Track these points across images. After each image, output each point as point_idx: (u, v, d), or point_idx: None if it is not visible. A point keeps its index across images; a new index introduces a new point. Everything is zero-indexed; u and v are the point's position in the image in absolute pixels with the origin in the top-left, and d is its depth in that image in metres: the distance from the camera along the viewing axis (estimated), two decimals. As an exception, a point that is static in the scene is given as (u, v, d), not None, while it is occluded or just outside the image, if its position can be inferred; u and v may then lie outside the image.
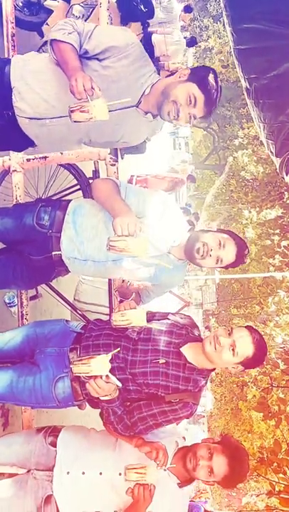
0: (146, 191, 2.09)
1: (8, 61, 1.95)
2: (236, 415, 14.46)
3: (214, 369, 1.90)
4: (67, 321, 2.10)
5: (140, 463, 1.78)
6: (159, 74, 2.00)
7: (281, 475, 4.51)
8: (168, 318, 1.98)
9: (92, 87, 1.63)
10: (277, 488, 4.51)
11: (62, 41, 1.77)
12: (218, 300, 19.35)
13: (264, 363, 5.24)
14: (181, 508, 1.92)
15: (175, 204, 2.12)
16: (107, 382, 1.67)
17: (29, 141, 2.04)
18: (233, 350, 1.76)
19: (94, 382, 1.67)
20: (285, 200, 9.93)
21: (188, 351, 1.86)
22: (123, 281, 2.52)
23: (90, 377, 1.67)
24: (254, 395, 11.60)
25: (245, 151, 16.34)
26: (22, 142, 2.06)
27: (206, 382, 1.90)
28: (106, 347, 1.87)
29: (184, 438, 2.05)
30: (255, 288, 14.95)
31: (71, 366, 1.69)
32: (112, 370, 1.75)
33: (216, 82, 1.89)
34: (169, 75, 1.96)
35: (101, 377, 1.66)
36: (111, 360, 1.68)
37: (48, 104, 1.89)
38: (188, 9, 7.38)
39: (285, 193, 9.86)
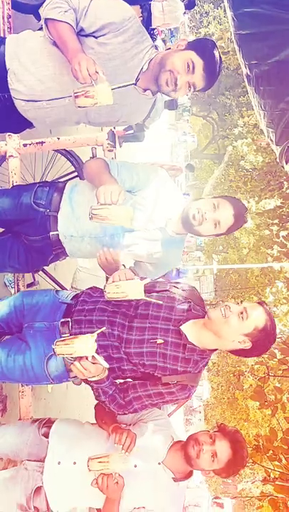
0: (141, 166, 2.05)
1: (2, 40, 1.87)
2: (233, 404, 14.60)
3: (216, 349, 1.77)
4: (56, 291, 1.99)
5: (104, 453, 1.72)
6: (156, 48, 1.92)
7: (276, 462, 4.56)
8: (169, 291, 1.84)
9: (96, 71, 1.57)
10: (272, 475, 4.56)
11: (59, 20, 1.69)
12: (216, 290, 19.39)
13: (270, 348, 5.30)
14: (176, 502, 1.89)
15: (170, 178, 2.07)
16: (93, 363, 1.56)
17: (27, 123, 1.99)
18: (242, 316, 1.62)
19: (79, 363, 1.55)
20: (284, 189, 9.89)
21: (190, 329, 1.73)
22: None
23: (76, 358, 1.56)
24: (251, 385, 11.69)
25: (244, 140, 16.25)
26: (19, 124, 2.01)
27: (206, 363, 1.80)
28: (100, 324, 1.75)
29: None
30: (253, 278, 14.99)
31: (53, 347, 1.54)
32: (106, 348, 1.68)
33: (215, 50, 1.81)
34: (167, 49, 1.88)
35: (86, 358, 1.55)
36: (105, 338, 1.58)
37: (44, 85, 1.83)
38: (190, 5, 7.17)
39: (285, 182, 9.81)
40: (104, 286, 1.70)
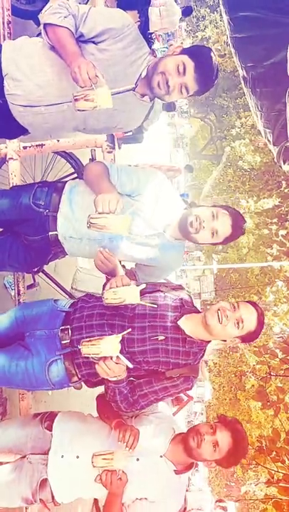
0: (141, 171, 2.07)
1: None
2: (235, 405, 14.57)
3: (210, 341, 1.86)
4: (55, 300, 2.02)
5: (108, 449, 1.76)
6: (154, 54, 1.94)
7: (280, 464, 4.52)
8: (160, 291, 1.91)
9: (96, 75, 1.57)
10: (275, 477, 4.53)
11: (58, 25, 1.70)
12: (216, 290, 19.40)
13: (261, 351, 5.30)
14: (177, 494, 1.91)
15: (170, 183, 2.08)
16: (117, 363, 1.62)
17: (21, 129, 1.99)
18: (238, 325, 1.72)
19: (104, 363, 1.61)
20: (282, 189, 9.93)
21: (186, 324, 1.80)
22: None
23: (100, 358, 1.62)
24: (252, 385, 11.69)
25: (242, 141, 16.30)
26: (14, 130, 2.00)
27: (203, 354, 1.87)
28: (100, 328, 1.80)
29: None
30: (253, 278, 15.01)
31: (80, 347, 1.62)
32: None
33: (211, 55, 1.82)
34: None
35: (111, 358, 1.61)
36: None
37: (43, 91, 1.82)
38: (187, 11, 7.21)
39: (283, 182, 9.85)
40: (102, 292, 1.76)
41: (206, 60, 1.80)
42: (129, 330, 1.72)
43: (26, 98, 1.83)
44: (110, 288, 1.70)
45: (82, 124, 1.97)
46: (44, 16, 1.74)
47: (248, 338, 1.80)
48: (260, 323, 1.78)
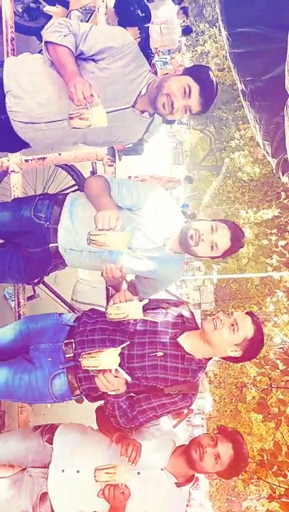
0: (141, 185, 2.09)
1: (1, 63, 1.91)
2: (235, 417, 14.42)
3: (211, 358, 1.88)
4: (60, 314, 2.06)
5: (110, 463, 1.75)
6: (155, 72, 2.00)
7: (282, 478, 4.44)
8: (162, 307, 1.94)
9: (91, 94, 1.62)
10: (277, 492, 4.45)
11: (59, 44, 1.74)
12: (216, 300, 19.36)
13: (262, 362, 5.27)
14: (178, 507, 1.90)
15: (170, 197, 2.12)
16: (116, 377, 1.64)
17: (23, 143, 2.03)
18: (233, 328, 1.74)
19: (103, 376, 1.64)
20: (281, 200, 9.97)
21: (186, 341, 1.83)
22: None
23: (99, 371, 1.64)
24: (253, 397, 11.58)
25: (241, 152, 16.42)
26: (16, 144, 2.05)
27: (203, 372, 1.88)
28: (101, 342, 1.83)
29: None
30: (253, 288, 14.99)
31: (80, 360, 1.65)
32: None
33: (211, 76, 1.87)
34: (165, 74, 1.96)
35: (110, 371, 1.63)
36: None
37: (43, 108, 1.87)
38: (187, 30, 7.34)
39: (282, 193, 9.90)
40: (106, 308, 1.80)
41: (210, 83, 1.86)
42: (128, 343, 1.75)
43: (27, 115, 1.87)
44: (114, 303, 1.74)
45: (82, 138, 2.03)
46: (45, 34, 1.78)
47: (248, 348, 1.78)
48: (259, 331, 1.78)
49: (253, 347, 1.79)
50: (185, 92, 1.80)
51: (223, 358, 1.87)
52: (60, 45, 1.74)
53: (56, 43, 1.75)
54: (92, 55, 1.82)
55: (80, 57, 1.82)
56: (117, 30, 1.93)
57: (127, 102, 1.87)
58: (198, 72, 1.85)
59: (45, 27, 1.82)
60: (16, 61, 1.93)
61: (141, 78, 1.89)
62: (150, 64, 4.78)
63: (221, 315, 1.79)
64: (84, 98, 1.62)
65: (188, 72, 1.85)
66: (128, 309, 1.72)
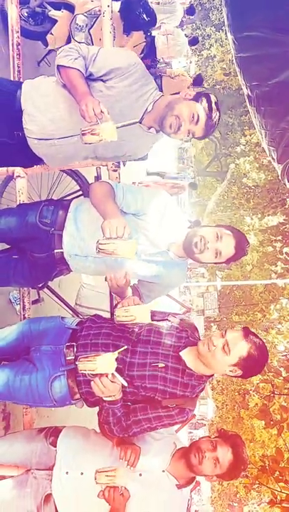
0: (146, 190, 2.11)
1: (19, 85, 2.05)
2: (238, 424, 14.37)
3: (212, 375, 1.87)
4: (62, 317, 2.06)
5: (111, 466, 1.78)
6: (161, 84, 2.07)
7: (283, 484, 4.48)
8: (168, 320, 1.94)
9: (101, 111, 1.73)
10: (279, 498, 4.48)
11: (70, 67, 1.87)
12: (220, 307, 19.30)
13: (265, 369, 5.26)
14: (179, 508, 1.91)
15: (175, 202, 2.14)
16: (112, 382, 1.63)
17: (37, 159, 2.14)
18: (226, 350, 1.72)
19: (99, 380, 1.62)
20: (287, 206, 9.95)
21: (188, 356, 1.82)
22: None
23: (96, 375, 1.63)
24: (256, 403, 11.53)
25: (247, 158, 16.41)
26: (31, 160, 2.17)
27: (203, 389, 1.87)
28: (105, 347, 1.83)
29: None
30: (257, 295, 14.96)
31: (77, 363, 1.65)
32: None
33: (218, 108, 1.98)
34: (175, 93, 2.05)
35: (106, 376, 1.62)
36: None
37: (55, 125, 1.98)
38: (191, 11, 7.41)
39: (287, 199, 9.87)
40: (114, 310, 1.80)
41: (217, 116, 1.98)
42: (125, 347, 1.74)
43: (40, 132, 2.00)
44: (122, 306, 1.75)
45: (92, 153, 2.12)
46: (57, 58, 1.92)
47: (247, 367, 1.75)
48: (256, 348, 1.74)
49: (251, 364, 1.75)
50: (193, 118, 1.91)
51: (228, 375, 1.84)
52: (71, 68, 1.87)
53: (67, 66, 1.87)
54: (101, 76, 1.95)
55: (89, 78, 1.94)
56: (123, 51, 2.09)
57: (134, 118, 1.97)
58: (209, 103, 1.96)
59: (58, 52, 1.94)
60: (32, 84, 2.05)
61: (147, 95, 1.99)
62: (155, 66, 4.80)
63: (213, 337, 1.77)
64: (95, 115, 1.73)
65: (199, 99, 1.95)
66: (136, 312, 1.73)
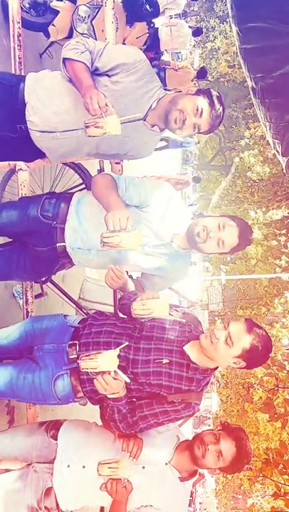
0: (149, 182, 2.11)
1: (22, 78, 2.04)
2: (242, 417, 14.41)
3: (216, 368, 1.86)
4: (65, 315, 2.06)
5: (113, 458, 1.79)
6: (164, 77, 2.07)
7: (287, 476, 4.53)
8: (170, 314, 1.88)
9: (106, 104, 1.73)
10: (283, 490, 4.52)
11: (76, 60, 1.87)
12: (224, 301, 19.30)
13: (269, 363, 5.26)
14: (181, 501, 1.92)
15: (178, 194, 2.12)
16: (115, 379, 1.62)
17: (40, 153, 2.12)
18: (228, 342, 1.70)
19: (101, 378, 1.62)
20: (291, 200, 9.89)
21: (192, 350, 1.81)
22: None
23: (98, 372, 1.62)
24: (260, 397, 11.55)
25: (251, 152, 16.32)
26: (33, 154, 2.15)
27: (208, 382, 1.86)
28: (107, 345, 1.82)
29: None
30: (262, 289, 14.93)
31: (79, 361, 1.64)
32: None
33: (221, 103, 1.98)
34: (178, 91, 2.06)
35: (109, 373, 1.62)
36: None
37: (59, 118, 1.97)
38: (198, 32, 7.21)
39: (292, 193, 9.81)
40: (131, 304, 1.79)
41: (220, 107, 1.97)
42: (126, 344, 1.74)
43: (43, 124, 1.99)
44: (140, 300, 1.74)
45: (95, 149, 2.10)
46: (63, 51, 1.91)
47: (251, 358, 1.73)
48: (260, 339, 1.73)
49: (255, 355, 1.73)
50: (197, 111, 1.91)
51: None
52: (77, 61, 1.87)
53: (73, 59, 1.87)
54: (106, 71, 1.95)
55: (94, 73, 1.94)
56: (130, 48, 2.07)
57: (138, 113, 1.95)
58: (210, 96, 1.96)
59: (64, 45, 1.93)
60: (35, 77, 2.04)
61: (152, 93, 2.00)
62: (159, 59, 4.76)
63: (216, 329, 1.75)
64: (99, 108, 1.73)
65: (201, 93, 1.96)
66: (153, 306, 1.72)
